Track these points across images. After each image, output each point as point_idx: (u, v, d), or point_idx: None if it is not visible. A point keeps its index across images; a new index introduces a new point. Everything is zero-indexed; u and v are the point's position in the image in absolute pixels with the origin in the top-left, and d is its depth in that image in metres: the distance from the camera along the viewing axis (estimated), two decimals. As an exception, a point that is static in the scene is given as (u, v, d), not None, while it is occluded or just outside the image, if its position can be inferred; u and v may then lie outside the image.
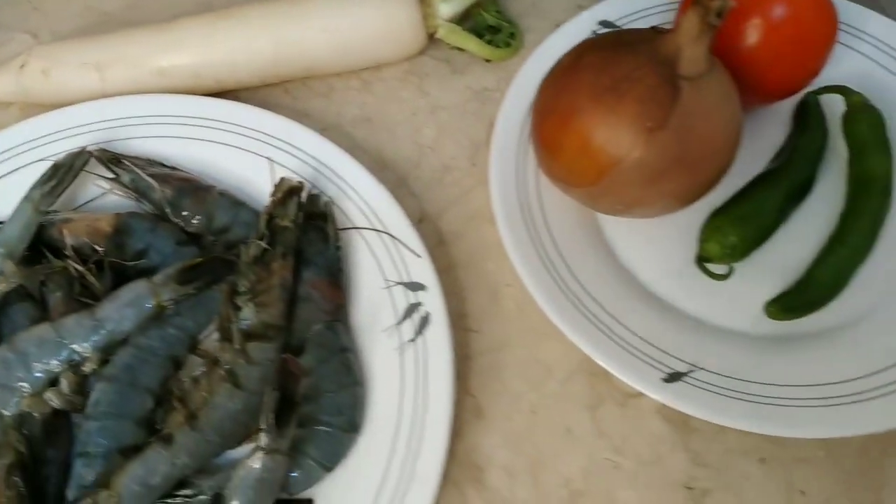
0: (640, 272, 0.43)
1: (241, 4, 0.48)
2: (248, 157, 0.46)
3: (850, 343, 0.40)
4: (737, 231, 0.40)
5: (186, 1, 0.55)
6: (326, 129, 0.50)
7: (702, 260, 0.40)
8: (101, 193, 0.45)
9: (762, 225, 0.41)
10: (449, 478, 0.39)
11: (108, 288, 0.41)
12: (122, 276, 0.42)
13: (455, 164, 0.49)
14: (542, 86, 0.40)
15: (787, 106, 0.48)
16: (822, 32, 0.43)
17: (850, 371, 0.39)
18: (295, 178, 0.42)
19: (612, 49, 0.37)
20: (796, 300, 0.40)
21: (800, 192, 0.43)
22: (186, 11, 0.55)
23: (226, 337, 0.38)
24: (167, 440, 0.36)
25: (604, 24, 0.49)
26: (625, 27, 0.49)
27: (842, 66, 0.48)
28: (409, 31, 0.48)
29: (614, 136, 0.36)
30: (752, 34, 0.42)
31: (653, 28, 0.39)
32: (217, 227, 0.43)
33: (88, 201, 0.46)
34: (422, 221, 0.46)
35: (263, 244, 0.39)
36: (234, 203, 0.44)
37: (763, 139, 0.47)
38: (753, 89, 0.45)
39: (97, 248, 0.42)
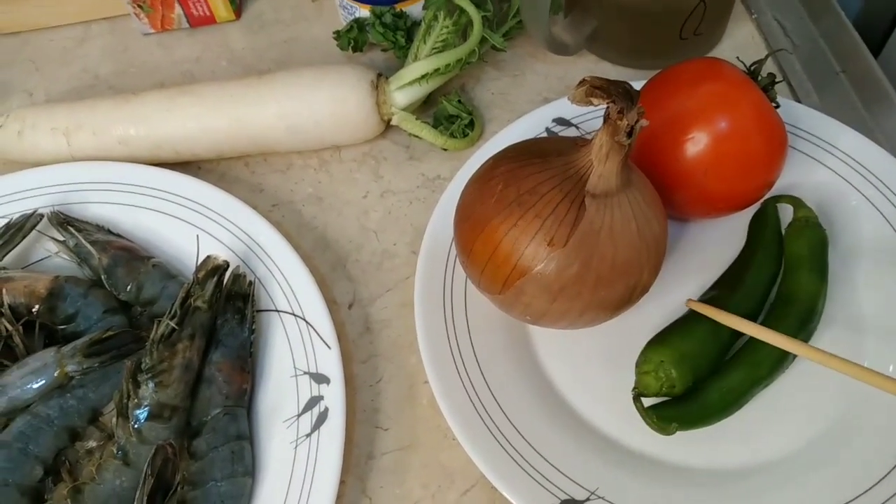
0: (557, 379, 0.41)
1: (206, 83, 0.50)
2: (190, 229, 0.47)
3: (771, 488, 0.37)
4: (678, 369, 0.38)
5: (172, 71, 0.58)
6: (277, 205, 0.51)
7: (640, 395, 0.38)
8: (49, 255, 0.47)
9: (706, 365, 0.39)
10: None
11: (37, 350, 0.42)
12: (52, 339, 0.43)
13: (396, 250, 0.48)
14: (464, 189, 0.39)
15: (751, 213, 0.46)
16: (767, 147, 0.41)
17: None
18: (222, 257, 0.43)
19: (525, 160, 0.37)
20: (676, 411, 0.37)
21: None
22: (171, 80, 0.57)
23: (122, 413, 0.38)
24: (46, 514, 0.37)
25: (558, 121, 0.49)
26: (580, 125, 0.49)
27: (807, 180, 0.46)
28: (361, 118, 0.49)
29: (515, 250, 0.35)
30: (692, 147, 0.40)
31: (576, 139, 0.38)
32: (145, 298, 0.44)
33: (39, 260, 0.48)
34: (352, 307, 0.46)
35: (172, 323, 0.40)
36: (166, 275, 0.45)
37: (723, 247, 0.45)
38: (698, 202, 0.43)
39: (32, 309, 0.43)
